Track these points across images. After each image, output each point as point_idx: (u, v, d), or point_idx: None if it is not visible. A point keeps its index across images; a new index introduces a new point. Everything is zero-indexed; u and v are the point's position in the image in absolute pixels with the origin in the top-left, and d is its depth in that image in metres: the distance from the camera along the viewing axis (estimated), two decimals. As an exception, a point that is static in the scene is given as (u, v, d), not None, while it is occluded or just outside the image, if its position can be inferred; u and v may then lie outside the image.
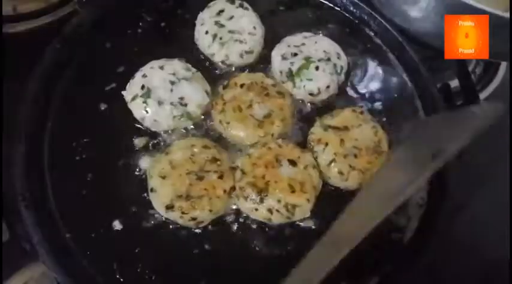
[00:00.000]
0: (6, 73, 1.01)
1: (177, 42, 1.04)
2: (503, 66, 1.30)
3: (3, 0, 1.09)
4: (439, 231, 0.86)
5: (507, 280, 0.95)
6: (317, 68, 0.96)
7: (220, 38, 0.98)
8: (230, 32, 0.99)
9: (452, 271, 0.99)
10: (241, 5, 1.03)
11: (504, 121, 1.12)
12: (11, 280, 0.81)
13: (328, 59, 0.98)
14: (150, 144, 0.90)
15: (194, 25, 1.03)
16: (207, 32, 0.99)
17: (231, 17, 1.01)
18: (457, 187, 0.90)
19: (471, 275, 1.00)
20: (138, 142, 0.90)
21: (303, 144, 0.92)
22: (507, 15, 0.85)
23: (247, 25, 1.00)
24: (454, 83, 1.10)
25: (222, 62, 0.99)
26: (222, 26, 0.99)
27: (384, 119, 0.97)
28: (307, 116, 0.97)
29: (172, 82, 0.91)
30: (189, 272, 0.81)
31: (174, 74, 0.92)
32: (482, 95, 1.23)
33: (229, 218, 0.85)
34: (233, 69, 1.01)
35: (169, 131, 0.91)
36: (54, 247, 0.78)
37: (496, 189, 1.10)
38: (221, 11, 1.02)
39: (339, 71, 0.98)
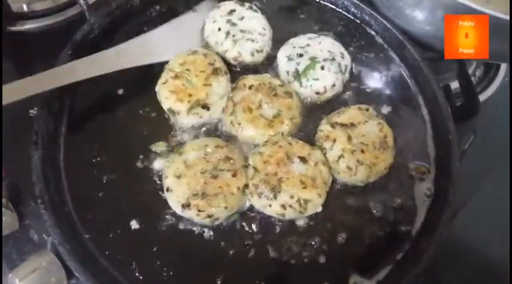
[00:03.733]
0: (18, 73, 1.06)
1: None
2: (504, 68, 1.32)
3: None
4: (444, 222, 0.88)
5: (507, 281, 0.97)
6: (322, 68, 0.99)
7: (233, 36, 1.01)
8: (242, 31, 1.02)
9: (453, 271, 1.01)
10: (250, 7, 1.06)
11: (504, 121, 1.15)
12: (20, 268, 0.84)
13: (333, 59, 1.00)
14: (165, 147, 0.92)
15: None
16: (219, 29, 1.02)
17: (242, 18, 1.04)
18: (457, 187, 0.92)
19: (471, 275, 1.02)
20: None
21: (312, 141, 0.94)
22: (507, 17, 0.87)
23: (258, 26, 1.03)
24: (455, 85, 1.13)
25: (234, 59, 1.02)
26: (234, 24, 1.02)
27: (388, 115, 1.00)
28: (315, 114, 0.99)
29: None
30: (207, 269, 0.83)
31: None
32: (483, 97, 1.25)
33: (243, 216, 0.87)
34: (239, 69, 1.04)
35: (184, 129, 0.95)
36: (74, 248, 0.80)
37: (494, 189, 1.12)
38: (232, 11, 1.04)
39: (343, 70, 1.01)
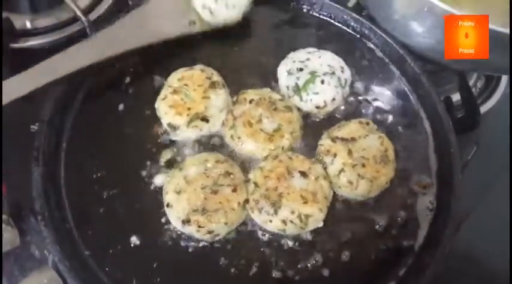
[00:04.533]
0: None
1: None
2: (505, 79, 1.32)
3: (22, 14, 1.18)
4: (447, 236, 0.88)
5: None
6: (322, 82, 0.99)
7: None
8: None
9: (453, 282, 1.00)
10: None
11: (507, 132, 1.15)
12: None
13: (333, 73, 1.01)
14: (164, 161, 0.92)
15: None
16: None
17: None
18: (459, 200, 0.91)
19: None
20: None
21: (312, 156, 0.94)
22: (506, 30, 0.87)
23: None
24: (456, 97, 1.13)
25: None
26: None
27: (389, 129, 1.00)
28: (315, 128, 0.99)
29: None
30: (207, 285, 0.83)
31: None
32: (484, 108, 1.26)
33: (244, 231, 0.87)
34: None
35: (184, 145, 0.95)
36: (74, 265, 0.79)
37: (496, 200, 1.12)
38: None
39: (343, 83, 1.01)
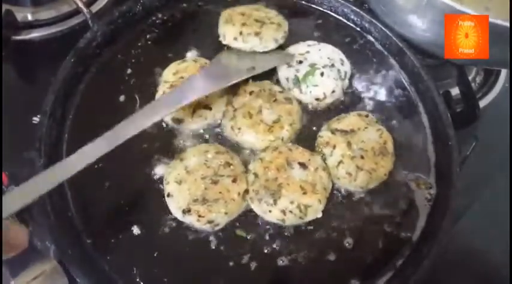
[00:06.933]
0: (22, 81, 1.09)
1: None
2: (503, 75, 1.33)
3: (23, 6, 1.20)
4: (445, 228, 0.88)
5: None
6: (322, 74, 1.00)
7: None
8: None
9: (453, 279, 1.01)
10: None
11: (506, 127, 1.15)
12: (23, 275, 0.84)
13: (332, 65, 1.01)
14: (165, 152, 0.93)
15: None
16: None
17: None
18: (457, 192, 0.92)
19: (471, 281, 1.03)
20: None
21: (312, 147, 0.95)
22: (507, 23, 0.88)
23: None
24: (455, 91, 1.13)
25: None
26: None
27: (388, 121, 1.01)
28: (314, 120, 1.00)
29: None
30: (207, 275, 0.83)
31: None
32: (483, 102, 1.26)
33: (244, 221, 0.88)
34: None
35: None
36: (76, 254, 0.80)
37: (496, 194, 1.12)
38: None
39: (343, 76, 1.02)
